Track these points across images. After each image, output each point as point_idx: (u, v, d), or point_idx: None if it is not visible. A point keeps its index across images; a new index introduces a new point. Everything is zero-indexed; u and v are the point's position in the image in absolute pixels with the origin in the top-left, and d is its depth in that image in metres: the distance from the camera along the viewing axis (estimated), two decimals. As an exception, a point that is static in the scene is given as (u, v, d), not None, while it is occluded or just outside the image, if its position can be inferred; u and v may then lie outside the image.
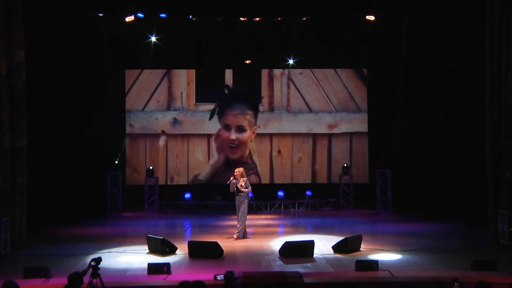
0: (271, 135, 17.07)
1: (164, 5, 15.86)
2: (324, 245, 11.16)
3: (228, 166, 16.60)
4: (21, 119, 11.53)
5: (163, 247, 10.62)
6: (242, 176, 12.24)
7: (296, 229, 14.33)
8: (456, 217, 14.36)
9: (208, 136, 17.09)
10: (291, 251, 10.39)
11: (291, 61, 17.49)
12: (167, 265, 9.09)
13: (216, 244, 10.62)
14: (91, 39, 16.01)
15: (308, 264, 9.80)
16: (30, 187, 11.90)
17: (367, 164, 17.78)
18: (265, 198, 17.42)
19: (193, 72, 17.27)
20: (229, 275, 7.19)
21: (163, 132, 17.15)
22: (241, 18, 16.53)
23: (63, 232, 13.45)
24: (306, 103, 17.32)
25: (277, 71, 17.31)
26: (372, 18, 16.46)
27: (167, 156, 17.19)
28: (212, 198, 17.28)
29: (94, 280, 7.30)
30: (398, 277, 8.72)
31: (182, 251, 10.66)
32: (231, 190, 12.27)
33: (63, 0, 14.75)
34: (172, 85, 17.18)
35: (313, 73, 17.26)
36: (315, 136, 17.29)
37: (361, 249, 10.84)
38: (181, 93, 17.05)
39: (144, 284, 8.48)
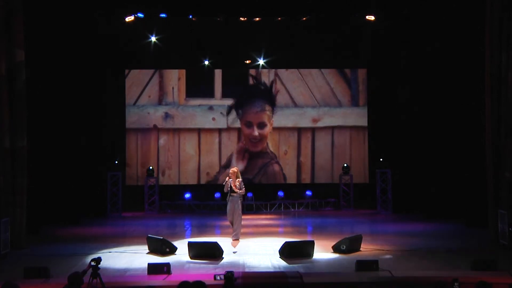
0: None
1: (164, 5, 15.85)
2: (324, 245, 11.16)
3: (250, 157, 17.33)
4: (21, 119, 11.52)
5: (163, 247, 10.62)
6: (237, 176, 12.14)
7: (296, 229, 14.35)
8: (456, 217, 14.37)
9: (199, 130, 17.36)
10: (291, 251, 10.39)
11: (290, 61, 17.53)
12: (167, 265, 9.09)
13: (216, 244, 10.63)
14: (91, 39, 16.00)
15: (308, 264, 9.80)
16: (30, 187, 11.89)
17: (367, 164, 17.81)
18: (265, 198, 17.44)
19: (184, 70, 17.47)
20: (229, 275, 7.18)
21: (155, 126, 17.30)
22: (241, 18, 16.53)
23: (63, 232, 13.45)
24: (292, 98, 17.64)
25: (264, 70, 17.51)
26: (372, 18, 16.46)
27: (158, 150, 17.39)
28: (212, 198, 17.30)
29: (94, 280, 7.31)
30: (398, 277, 8.73)
31: (182, 251, 10.66)
32: (225, 190, 12.16)
33: (63, 0, 14.77)
34: (163, 80, 17.39)
35: (298, 69, 17.52)
36: (300, 130, 17.68)
37: (361, 249, 10.85)
38: (172, 88, 17.27)
39: (144, 284, 8.48)
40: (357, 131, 17.60)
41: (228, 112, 17.27)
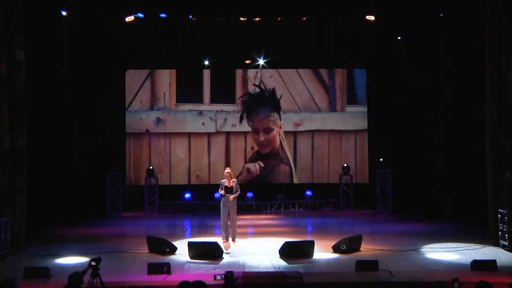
0: (245, 133, 17.83)
1: (164, 5, 15.84)
2: (324, 245, 11.16)
3: (261, 158, 17.74)
4: (21, 119, 11.53)
5: (163, 247, 10.63)
6: (231, 177, 12.15)
7: (296, 229, 14.36)
8: (456, 217, 14.38)
9: (189, 134, 17.67)
10: (291, 251, 10.40)
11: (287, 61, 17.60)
12: (167, 265, 9.10)
13: (216, 244, 10.64)
14: (91, 39, 16.00)
15: (308, 264, 9.81)
16: (30, 187, 11.90)
17: (367, 164, 17.83)
18: (265, 198, 17.44)
19: (174, 72, 17.67)
20: (229, 275, 7.19)
21: (147, 131, 17.60)
22: (241, 18, 16.53)
23: (63, 232, 13.45)
24: None
25: (250, 74, 17.84)
26: (372, 18, 16.45)
27: (150, 154, 17.68)
28: (212, 198, 17.29)
29: (94, 280, 7.31)
30: (398, 277, 8.74)
31: (182, 251, 10.66)
32: (221, 192, 12.10)
33: (63, 0, 14.78)
34: (155, 86, 17.70)
35: (280, 76, 17.91)
36: (283, 134, 18.02)
37: (361, 249, 10.86)
38: (164, 93, 17.62)
39: (144, 284, 8.48)
40: (335, 134, 17.88)
41: (241, 120, 17.67)
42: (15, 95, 11.40)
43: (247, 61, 17.65)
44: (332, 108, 17.89)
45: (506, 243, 10.85)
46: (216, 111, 17.65)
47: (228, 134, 17.73)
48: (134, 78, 17.62)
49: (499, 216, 11.18)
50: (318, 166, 17.87)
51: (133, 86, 17.58)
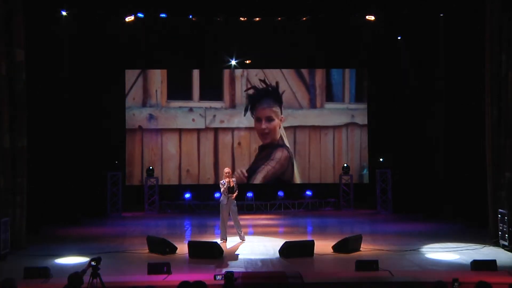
0: (232, 129, 18.10)
1: (164, 5, 15.84)
2: (324, 245, 11.16)
3: (262, 149, 18.07)
4: (21, 119, 11.53)
5: (163, 247, 10.63)
6: (231, 176, 12.19)
7: (296, 229, 14.36)
8: (456, 217, 14.38)
9: (180, 130, 17.96)
10: (291, 251, 10.40)
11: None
12: (167, 265, 9.11)
13: (216, 244, 10.65)
14: (91, 39, 16.01)
15: (308, 264, 9.80)
16: (30, 187, 11.90)
17: (367, 164, 17.83)
18: (265, 198, 17.44)
19: (165, 71, 17.88)
20: (229, 275, 7.19)
21: (140, 127, 17.82)
22: (241, 18, 16.54)
23: (63, 232, 13.45)
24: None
25: (238, 73, 18.06)
26: (372, 18, 16.46)
27: (142, 149, 17.91)
28: (212, 198, 17.30)
29: (94, 280, 7.31)
30: (398, 277, 8.74)
31: (182, 251, 10.67)
32: (223, 192, 12.14)
33: (63, 0, 14.79)
34: (148, 83, 17.91)
35: (265, 75, 18.16)
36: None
37: (361, 249, 10.86)
38: (156, 90, 17.86)
39: (144, 284, 8.48)
40: (315, 130, 18.14)
41: (245, 113, 18.00)
42: (15, 95, 11.40)
43: (247, 61, 17.69)
44: (312, 105, 18.22)
45: (506, 243, 10.85)
46: (206, 108, 17.89)
47: (216, 130, 17.99)
48: (128, 75, 17.78)
49: (499, 216, 11.19)
50: (300, 160, 18.05)
51: (127, 83, 17.75)
